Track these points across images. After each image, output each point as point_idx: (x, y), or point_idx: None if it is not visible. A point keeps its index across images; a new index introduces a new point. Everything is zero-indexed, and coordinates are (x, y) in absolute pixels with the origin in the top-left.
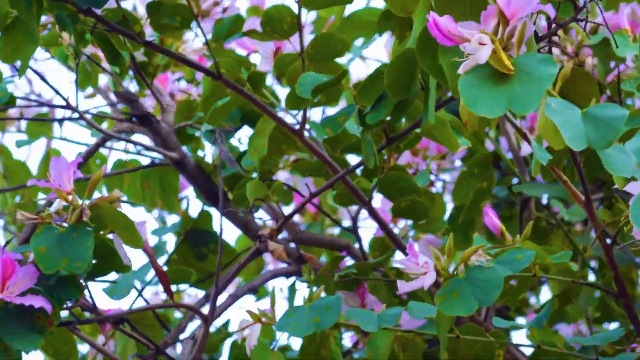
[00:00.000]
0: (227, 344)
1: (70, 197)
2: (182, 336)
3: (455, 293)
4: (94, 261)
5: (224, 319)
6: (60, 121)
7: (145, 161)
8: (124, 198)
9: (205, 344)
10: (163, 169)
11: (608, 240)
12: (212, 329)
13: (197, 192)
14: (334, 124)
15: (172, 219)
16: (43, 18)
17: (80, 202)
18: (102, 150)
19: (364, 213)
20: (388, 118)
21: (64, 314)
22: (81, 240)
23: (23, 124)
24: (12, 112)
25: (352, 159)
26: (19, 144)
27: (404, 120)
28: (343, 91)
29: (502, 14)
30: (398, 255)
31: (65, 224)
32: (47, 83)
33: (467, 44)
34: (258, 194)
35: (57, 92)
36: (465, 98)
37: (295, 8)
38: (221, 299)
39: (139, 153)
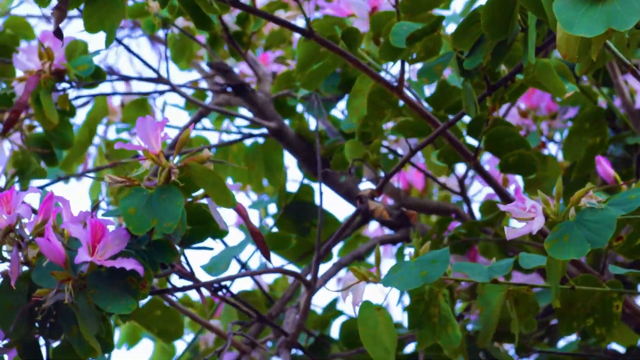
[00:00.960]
0: (337, 323)
1: (158, 158)
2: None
3: (565, 237)
4: (189, 227)
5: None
6: (153, 95)
7: (247, 140)
8: (229, 180)
9: (309, 311)
10: (267, 146)
11: None
12: (320, 309)
13: (298, 162)
14: (430, 74)
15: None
16: None
17: (169, 162)
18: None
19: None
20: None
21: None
22: (170, 200)
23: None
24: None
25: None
26: (118, 130)
27: (505, 68)
28: (442, 43)
29: None
30: None
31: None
32: (137, 55)
33: None
34: (356, 153)
35: (148, 65)
36: (561, 20)
37: None
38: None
39: (240, 132)
